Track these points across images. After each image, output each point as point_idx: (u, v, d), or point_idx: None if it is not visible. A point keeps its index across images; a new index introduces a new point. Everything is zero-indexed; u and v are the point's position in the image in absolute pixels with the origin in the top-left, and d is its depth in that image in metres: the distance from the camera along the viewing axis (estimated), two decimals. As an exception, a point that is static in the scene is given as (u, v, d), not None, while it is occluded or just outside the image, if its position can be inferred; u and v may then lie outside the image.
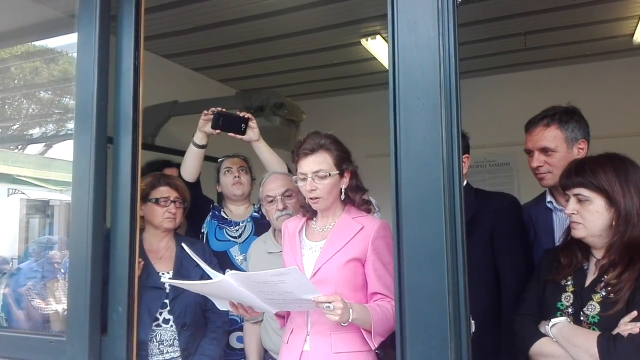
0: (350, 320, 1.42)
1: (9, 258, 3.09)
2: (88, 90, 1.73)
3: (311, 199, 1.61)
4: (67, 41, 3.22)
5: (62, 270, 2.64)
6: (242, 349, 2.07)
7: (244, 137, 2.09)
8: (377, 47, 3.75)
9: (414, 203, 1.19)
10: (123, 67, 1.76)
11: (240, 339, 2.10)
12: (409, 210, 1.19)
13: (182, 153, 2.30)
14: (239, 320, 2.09)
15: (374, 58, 3.94)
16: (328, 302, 1.38)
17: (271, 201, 2.00)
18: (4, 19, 3.04)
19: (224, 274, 1.47)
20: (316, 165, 1.59)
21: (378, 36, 3.63)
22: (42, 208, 4.79)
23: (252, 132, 2.11)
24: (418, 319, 1.16)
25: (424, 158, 1.18)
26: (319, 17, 3.34)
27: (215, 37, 3.61)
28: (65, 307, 2.42)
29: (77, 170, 1.70)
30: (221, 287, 1.46)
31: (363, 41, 3.68)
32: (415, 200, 1.19)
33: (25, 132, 4.44)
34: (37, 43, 3.49)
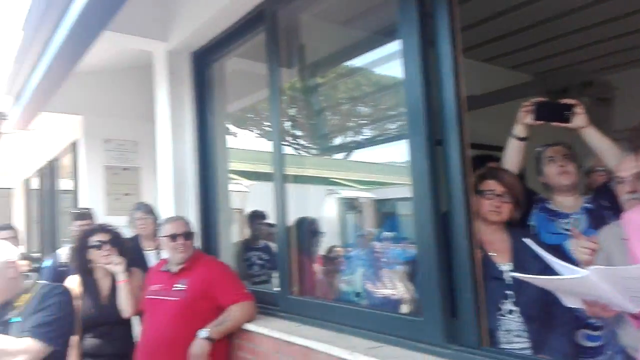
0: None
1: (340, 246, 3.64)
2: (415, 95, 1.90)
3: None
4: (373, 57, 3.66)
5: (385, 260, 2.99)
6: (593, 348, 1.94)
7: (569, 124, 1.97)
8: None
9: None
10: (443, 70, 1.89)
11: (589, 337, 1.97)
12: None
13: (483, 147, 2.27)
14: (585, 317, 1.96)
15: None
16: None
17: (620, 182, 1.82)
18: (324, 48, 3.62)
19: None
20: None
21: None
22: (352, 205, 5.59)
23: (580, 119, 1.96)
24: None
25: None
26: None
27: (504, 24, 3.51)
28: (393, 292, 2.76)
29: (414, 169, 1.88)
30: (575, 283, 1.40)
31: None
32: None
33: (342, 140, 5.23)
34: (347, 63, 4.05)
